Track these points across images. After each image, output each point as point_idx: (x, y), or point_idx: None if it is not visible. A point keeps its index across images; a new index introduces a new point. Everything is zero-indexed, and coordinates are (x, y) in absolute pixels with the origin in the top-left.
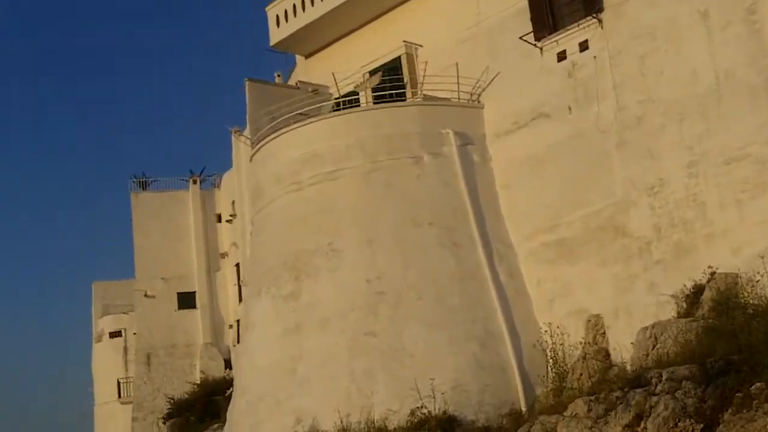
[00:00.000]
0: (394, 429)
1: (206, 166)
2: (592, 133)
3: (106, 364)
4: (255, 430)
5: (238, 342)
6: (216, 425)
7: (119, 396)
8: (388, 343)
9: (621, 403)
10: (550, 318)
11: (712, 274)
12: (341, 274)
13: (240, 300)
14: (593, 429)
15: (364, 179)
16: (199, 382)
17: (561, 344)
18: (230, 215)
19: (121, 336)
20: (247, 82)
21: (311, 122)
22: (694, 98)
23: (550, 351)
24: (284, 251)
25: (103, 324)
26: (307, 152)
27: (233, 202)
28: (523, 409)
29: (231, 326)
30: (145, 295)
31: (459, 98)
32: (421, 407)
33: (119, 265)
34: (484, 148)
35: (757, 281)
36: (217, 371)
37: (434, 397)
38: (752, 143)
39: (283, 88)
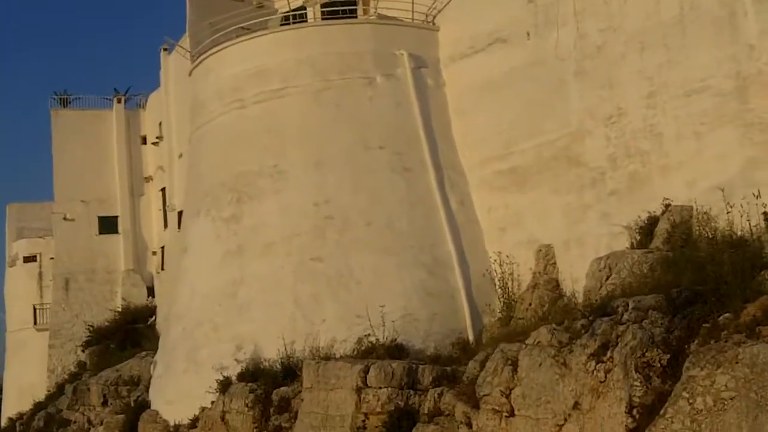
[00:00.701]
0: (341, 357)
1: (132, 86)
2: (550, 61)
3: (20, 289)
4: (192, 357)
5: (162, 269)
6: (143, 353)
7: (35, 323)
8: (335, 269)
9: (586, 332)
10: (500, 247)
11: (667, 206)
12: (287, 196)
13: (165, 226)
14: (557, 358)
15: (314, 98)
16: (120, 309)
17: (510, 274)
18: (156, 137)
19: (35, 261)
20: None
21: (258, 36)
22: (657, 28)
23: (499, 280)
24: (225, 171)
25: (18, 248)
26: (252, 67)
27: (160, 124)
28: (471, 338)
29: (155, 253)
30: (64, 218)
31: (413, 19)
32: (369, 335)
33: (35, 186)
34: (438, 72)
35: (714, 214)
36: (139, 299)
37: (384, 325)
38: (713, 76)
39: (226, 0)
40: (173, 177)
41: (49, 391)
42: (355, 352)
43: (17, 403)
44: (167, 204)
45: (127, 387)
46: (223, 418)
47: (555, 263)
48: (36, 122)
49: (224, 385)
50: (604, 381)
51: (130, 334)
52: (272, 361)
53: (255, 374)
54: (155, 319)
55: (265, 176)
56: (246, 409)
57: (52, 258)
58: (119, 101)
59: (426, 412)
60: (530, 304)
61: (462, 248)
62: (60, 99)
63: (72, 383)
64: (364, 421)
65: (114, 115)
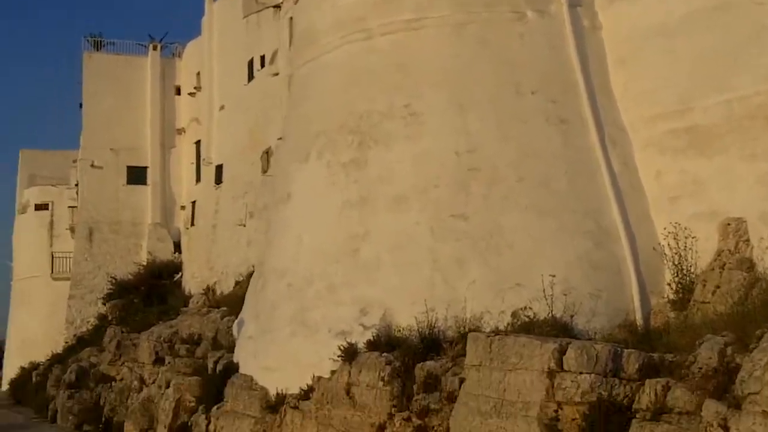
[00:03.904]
0: (493, 332)
1: (168, 32)
2: (745, 5)
3: (30, 237)
4: (301, 319)
5: (192, 224)
6: (205, 309)
7: (52, 271)
8: (482, 228)
9: None
10: (671, 218)
11: None
12: (422, 143)
13: (197, 180)
14: None
15: (455, 32)
16: (145, 263)
17: (689, 249)
18: (194, 87)
19: (47, 209)
20: None
21: None
22: None
23: (675, 256)
24: (345, 110)
25: (29, 195)
26: None
27: (198, 74)
28: (639, 321)
29: (183, 207)
30: (92, 166)
31: None
32: (525, 308)
33: (50, 133)
34: (594, 12)
35: None
36: (165, 254)
37: (552, 296)
38: None
39: None
40: (212, 130)
41: (67, 342)
42: (509, 327)
43: (21, 352)
44: (203, 158)
45: (186, 345)
46: (348, 392)
47: (748, 240)
48: (61, 68)
49: (350, 354)
50: None
51: (155, 289)
52: (407, 330)
53: (390, 343)
54: (181, 276)
55: (396, 118)
56: (381, 383)
57: (71, 207)
58: (155, 48)
59: (643, 407)
60: (717, 287)
61: (627, 217)
62: (94, 42)
63: (101, 335)
64: (557, 411)
65: (149, 63)
